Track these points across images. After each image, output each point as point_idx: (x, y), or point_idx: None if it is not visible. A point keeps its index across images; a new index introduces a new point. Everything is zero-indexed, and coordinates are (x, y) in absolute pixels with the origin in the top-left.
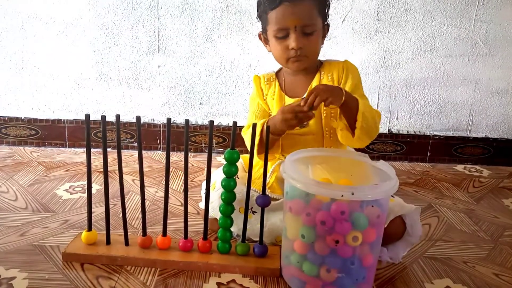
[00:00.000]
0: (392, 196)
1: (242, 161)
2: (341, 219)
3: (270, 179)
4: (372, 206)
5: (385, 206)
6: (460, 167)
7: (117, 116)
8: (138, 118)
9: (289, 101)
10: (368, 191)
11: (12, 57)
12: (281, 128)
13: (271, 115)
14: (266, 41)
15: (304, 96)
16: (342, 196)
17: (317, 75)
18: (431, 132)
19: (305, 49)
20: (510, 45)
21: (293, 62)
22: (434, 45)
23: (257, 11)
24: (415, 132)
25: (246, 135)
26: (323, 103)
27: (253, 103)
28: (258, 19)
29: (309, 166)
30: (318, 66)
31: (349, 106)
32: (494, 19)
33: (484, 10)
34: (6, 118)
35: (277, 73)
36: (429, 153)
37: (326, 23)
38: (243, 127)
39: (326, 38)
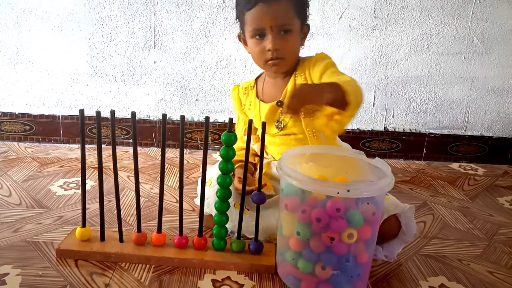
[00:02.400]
0: (387, 195)
1: None
2: (337, 216)
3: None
4: (368, 203)
5: (381, 203)
6: (455, 165)
7: (112, 112)
8: (133, 114)
9: (264, 106)
10: (364, 188)
11: (7, 51)
12: None
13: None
14: (245, 42)
15: (280, 99)
16: (338, 193)
17: (292, 77)
18: (427, 130)
19: (282, 51)
20: (506, 44)
21: (271, 66)
22: (430, 43)
23: (236, 11)
24: (411, 130)
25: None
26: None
27: (237, 117)
28: (237, 20)
29: (297, 165)
30: (295, 66)
31: (334, 98)
32: (491, 17)
33: (481, 8)
34: (0, 114)
35: (257, 79)
36: (424, 151)
37: (306, 23)
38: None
39: (307, 39)
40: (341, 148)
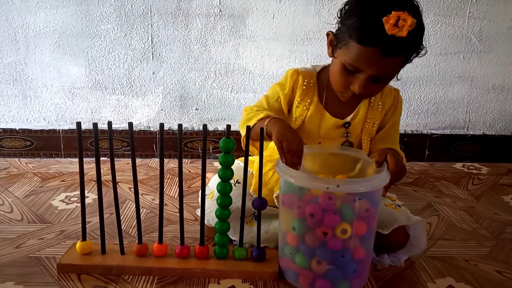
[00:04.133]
0: (399, 206)
1: (252, 171)
2: (329, 207)
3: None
4: (359, 199)
5: (376, 200)
6: (458, 165)
7: (109, 123)
8: (130, 124)
9: (329, 119)
10: (354, 184)
11: (5, 68)
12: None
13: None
14: (331, 44)
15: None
16: (328, 188)
17: (366, 101)
18: (429, 131)
19: (365, 94)
20: (504, 41)
21: (344, 97)
22: (428, 43)
23: (344, 20)
24: (412, 131)
25: (246, 116)
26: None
27: (275, 94)
28: (339, 20)
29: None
30: None
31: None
32: (488, 16)
33: (477, 7)
34: (1, 130)
35: (319, 75)
36: (427, 152)
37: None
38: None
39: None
40: (343, 147)
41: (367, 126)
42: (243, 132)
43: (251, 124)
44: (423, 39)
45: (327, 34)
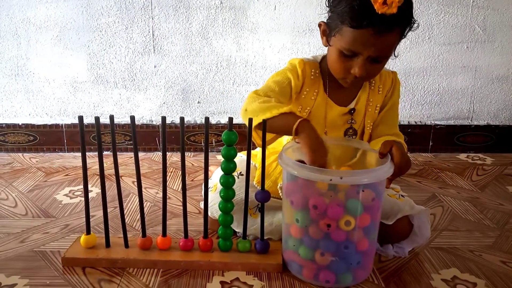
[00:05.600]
0: (403, 196)
1: (255, 163)
2: (333, 201)
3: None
4: (363, 190)
5: (379, 191)
6: (462, 156)
7: (111, 117)
8: (132, 118)
9: (335, 108)
10: (357, 175)
11: (7, 63)
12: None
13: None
14: (324, 33)
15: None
16: (331, 180)
17: (367, 86)
18: (432, 122)
19: (366, 76)
20: (508, 31)
21: (346, 82)
22: (432, 33)
23: (334, 7)
24: (416, 122)
25: (262, 103)
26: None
27: (285, 79)
28: (328, 8)
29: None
30: None
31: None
32: (492, 5)
33: None
34: (4, 125)
35: (320, 65)
36: (431, 143)
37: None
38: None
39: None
40: (347, 139)
41: (370, 110)
42: (248, 120)
43: (270, 115)
44: (413, 13)
45: (319, 25)
